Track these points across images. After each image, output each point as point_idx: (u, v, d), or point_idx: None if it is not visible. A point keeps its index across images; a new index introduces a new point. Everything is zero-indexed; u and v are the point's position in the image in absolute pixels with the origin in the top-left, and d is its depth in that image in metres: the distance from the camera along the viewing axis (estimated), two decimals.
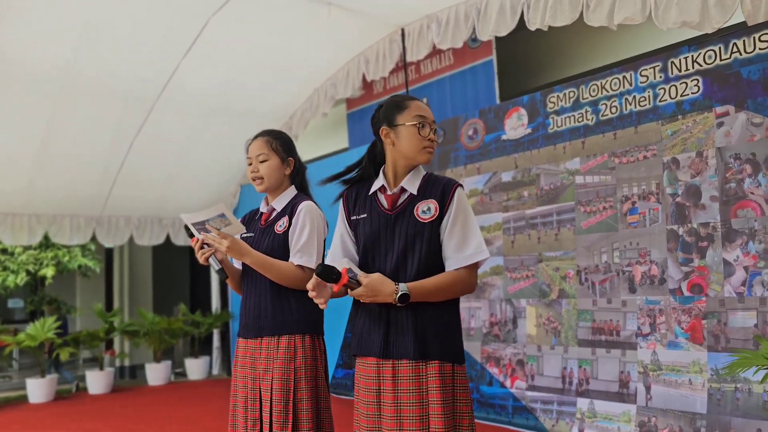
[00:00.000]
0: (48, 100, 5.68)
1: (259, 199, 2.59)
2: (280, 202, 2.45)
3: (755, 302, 3.44)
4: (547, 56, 5.61)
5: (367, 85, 6.36)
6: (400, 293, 1.83)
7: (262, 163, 2.41)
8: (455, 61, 5.57)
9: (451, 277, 1.90)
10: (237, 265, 2.53)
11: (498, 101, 5.12)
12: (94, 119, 6.06)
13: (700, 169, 3.72)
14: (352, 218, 2.10)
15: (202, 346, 8.49)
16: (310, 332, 2.34)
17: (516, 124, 4.75)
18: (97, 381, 7.26)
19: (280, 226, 2.38)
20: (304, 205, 2.37)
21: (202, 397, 6.79)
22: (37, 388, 6.81)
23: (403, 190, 2.02)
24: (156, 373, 7.74)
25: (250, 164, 2.44)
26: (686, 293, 3.73)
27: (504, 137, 4.82)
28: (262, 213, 2.50)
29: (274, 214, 2.44)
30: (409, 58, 5.60)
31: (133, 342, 7.87)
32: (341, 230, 2.12)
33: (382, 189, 2.06)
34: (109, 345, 8.78)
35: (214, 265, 2.32)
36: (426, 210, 1.96)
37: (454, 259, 1.91)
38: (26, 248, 8.60)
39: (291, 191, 2.48)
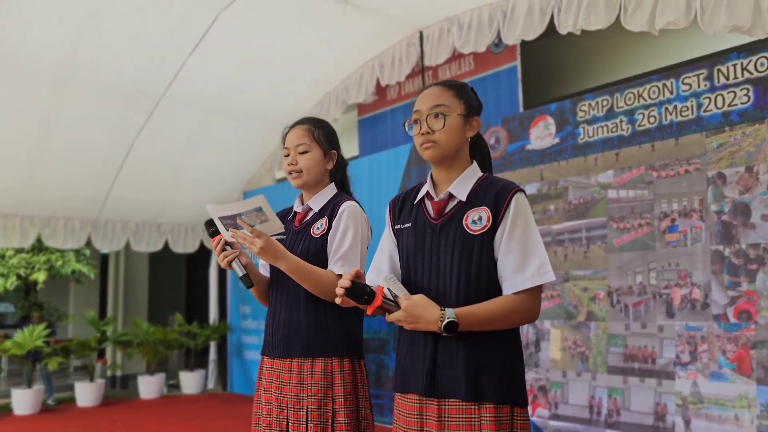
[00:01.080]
0: (45, 95, 5.38)
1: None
2: (317, 201, 2.11)
3: None
4: (576, 63, 5.34)
5: (380, 91, 6.08)
6: (446, 321, 1.52)
7: (303, 155, 2.08)
8: (476, 67, 5.30)
9: (509, 303, 1.57)
10: (263, 271, 2.20)
11: (521, 109, 4.84)
12: (94, 117, 5.76)
13: (750, 185, 3.43)
14: (396, 227, 1.79)
15: (197, 359, 8.14)
16: (350, 355, 1.99)
17: (542, 134, 4.46)
18: (86, 393, 6.91)
19: (317, 229, 2.05)
20: (347, 206, 2.04)
21: (197, 413, 6.44)
22: (23, 399, 6.46)
23: (451, 196, 1.70)
24: (149, 386, 7.39)
25: (287, 155, 2.11)
26: (732, 320, 3.42)
27: (529, 147, 4.53)
28: (296, 213, 2.17)
29: (311, 214, 2.11)
30: (427, 63, 5.34)
31: (126, 352, 7.52)
32: (386, 241, 1.81)
33: (429, 195, 1.76)
34: (101, 354, 8.42)
35: (238, 271, 1.97)
36: (477, 219, 1.63)
37: (512, 282, 1.58)
38: (18, 251, 8.26)
39: (330, 189, 2.14)
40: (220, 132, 6.46)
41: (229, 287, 7.89)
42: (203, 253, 8.35)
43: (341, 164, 2.20)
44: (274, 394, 2.01)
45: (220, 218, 1.88)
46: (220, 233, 1.96)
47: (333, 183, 2.17)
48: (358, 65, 5.89)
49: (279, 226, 1.90)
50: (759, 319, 3.32)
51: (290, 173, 2.10)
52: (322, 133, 2.12)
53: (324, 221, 2.04)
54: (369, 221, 2.10)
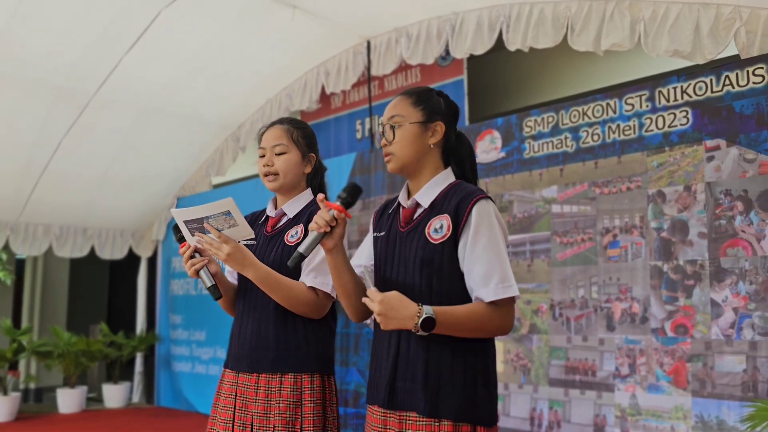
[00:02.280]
0: None
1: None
2: (293, 207, 2.01)
3: (744, 346, 3.26)
4: (522, 79, 5.44)
5: (325, 98, 6.00)
6: (424, 316, 1.44)
7: (279, 156, 1.98)
8: (423, 79, 5.31)
9: (483, 310, 1.51)
10: (232, 279, 2.08)
11: (467, 123, 4.88)
12: (18, 113, 5.41)
13: (688, 203, 3.56)
14: (374, 235, 1.74)
15: (122, 371, 7.75)
16: (321, 371, 1.90)
17: (489, 147, 4.51)
18: (0, 407, 6.44)
19: (291, 237, 1.94)
20: None
21: (121, 428, 6.11)
22: None
23: (418, 204, 1.66)
24: (68, 399, 6.97)
25: (263, 156, 2.00)
26: (670, 333, 3.53)
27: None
28: (268, 217, 2.06)
29: (284, 220, 2.00)
30: (374, 72, 5.31)
31: (45, 364, 7.06)
32: (367, 245, 1.76)
33: (401, 203, 1.72)
34: (13, 366, 7.89)
35: (206, 280, 1.86)
36: (438, 228, 1.58)
37: (478, 293, 1.53)
38: None
39: (307, 195, 2.04)
40: (155, 134, 6.21)
41: (158, 295, 7.57)
42: (129, 259, 7.99)
43: (319, 169, 2.11)
44: (238, 410, 1.90)
45: (185, 222, 1.77)
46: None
47: (310, 188, 2.07)
48: (303, 72, 5.80)
49: (248, 232, 1.80)
50: (695, 333, 3.44)
51: (266, 175, 1.99)
52: (301, 134, 2.03)
53: (300, 229, 1.94)
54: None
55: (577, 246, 3.98)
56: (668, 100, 3.70)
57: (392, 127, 1.65)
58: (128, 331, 7.84)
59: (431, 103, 1.68)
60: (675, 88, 3.69)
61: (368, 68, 5.34)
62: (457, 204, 1.58)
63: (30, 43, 4.77)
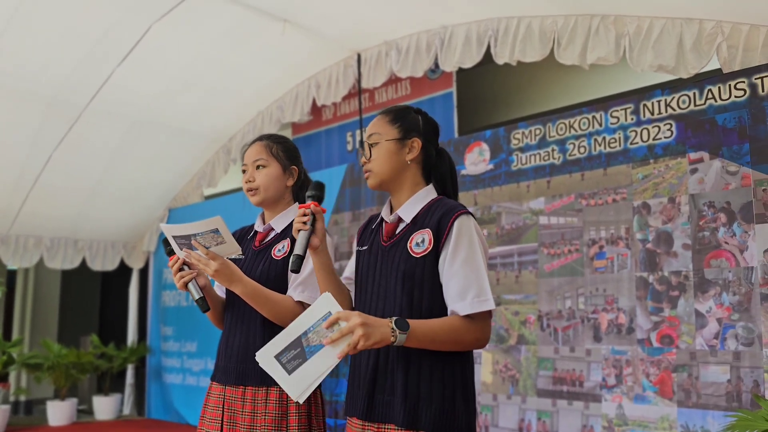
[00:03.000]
0: None
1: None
2: (280, 222, 2.05)
3: (728, 356, 3.30)
4: (510, 92, 5.50)
5: (316, 111, 6.05)
6: (395, 318, 1.45)
7: (259, 170, 2.03)
8: (412, 92, 5.36)
9: (458, 323, 1.53)
10: (220, 292, 2.10)
11: (456, 135, 4.92)
12: (9, 125, 5.42)
13: (672, 215, 3.61)
14: (357, 249, 1.77)
15: (112, 383, 7.72)
16: None
17: (477, 160, 4.55)
18: None
19: (278, 251, 1.98)
20: None
21: None
22: None
23: (400, 219, 1.69)
24: (58, 412, 6.93)
25: (245, 171, 2.04)
26: (655, 344, 3.57)
27: (464, 172, 4.60)
28: (256, 232, 2.10)
29: (272, 234, 2.04)
30: (364, 85, 5.35)
31: (35, 376, 7.03)
32: (353, 260, 1.80)
33: (383, 218, 1.75)
34: (3, 378, 7.85)
35: (194, 293, 1.88)
36: (420, 242, 1.61)
37: (455, 307, 1.55)
38: None
39: (294, 209, 2.08)
40: (146, 146, 6.23)
41: (149, 307, 7.57)
42: (120, 271, 7.98)
43: (305, 181, 2.15)
44: (225, 423, 1.92)
45: (175, 237, 1.80)
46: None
47: (296, 203, 2.11)
48: (293, 84, 5.84)
49: (235, 248, 1.83)
50: (680, 343, 3.48)
51: (248, 191, 2.04)
52: (281, 148, 2.07)
53: (287, 243, 1.98)
54: (334, 244, 2.06)
55: (564, 257, 4.02)
56: (653, 113, 3.76)
57: (370, 145, 1.70)
58: (119, 343, 7.83)
59: (407, 120, 1.72)
60: (659, 102, 3.74)
61: (359, 81, 5.39)
62: (439, 219, 1.61)
63: (22, 56, 4.80)
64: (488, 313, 1.57)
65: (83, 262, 7.29)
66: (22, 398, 8.45)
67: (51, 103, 5.33)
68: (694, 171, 3.55)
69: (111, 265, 7.51)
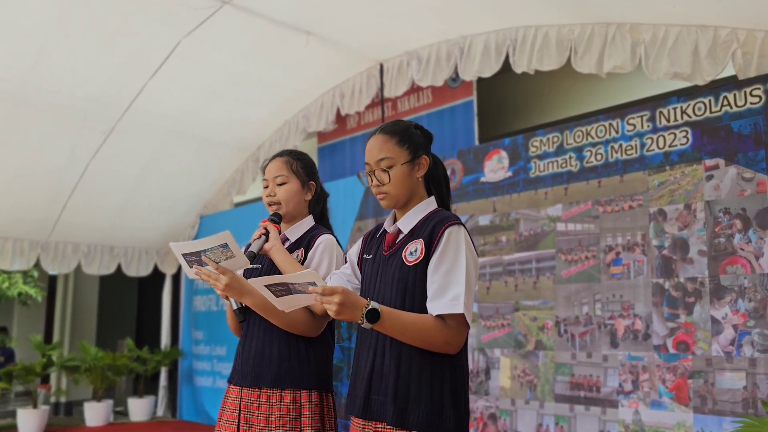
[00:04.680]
0: (0, 114, 5.30)
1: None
2: (295, 232, 2.17)
3: (744, 363, 3.30)
4: (529, 100, 5.54)
5: (340, 120, 6.18)
6: (369, 307, 1.55)
7: (280, 186, 2.14)
8: (434, 100, 5.45)
9: (431, 322, 1.61)
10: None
11: (477, 142, 4.99)
12: (49, 138, 5.68)
13: (688, 222, 3.62)
14: (362, 257, 1.88)
15: (147, 385, 7.96)
16: (319, 388, 2.02)
17: (496, 167, 4.61)
18: (29, 420, 6.67)
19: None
20: (324, 239, 2.09)
21: None
22: None
23: (400, 229, 1.80)
24: (95, 413, 7.18)
25: (266, 187, 2.16)
26: (671, 350, 3.58)
27: (483, 179, 4.67)
28: None
29: (287, 245, 2.15)
30: (386, 94, 5.46)
31: (72, 378, 7.30)
32: (344, 266, 1.90)
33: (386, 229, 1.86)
34: (45, 379, 8.16)
35: (233, 302, 1.99)
36: (413, 251, 1.70)
37: (431, 306, 1.63)
38: None
39: (308, 221, 2.20)
40: (177, 156, 6.44)
41: (182, 312, 7.78)
42: (155, 277, 8.23)
43: (321, 195, 2.25)
44: (242, 424, 2.02)
45: (184, 255, 1.90)
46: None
47: (311, 215, 2.22)
48: (318, 94, 5.99)
49: (244, 262, 1.93)
50: (696, 350, 3.48)
51: (270, 204, 2.15)
52: (300, 165, 2.18)
53: (300, 252, 2.09)
54: (345, 254, 2.14)
55: (581, 263, 4.05)
56: (668, 121, 3.78)
57: (385, 171, 1.76)
58: (154, 347, 8.07)
59: (413, 140, 1.80)
60: (675, 109, 3.76)
61: (381, 90, 5.50)
62: (431, 229, 1.70)
63: (60, 72, 5.04)
64: (463, 319, 1.62)
65: (119, 268, 7.55)
66: (63, 399, 8.77)
67: (87, 116, 5.57)
68: (709, 178, 3.56)
69: (145, 271, 7.76)
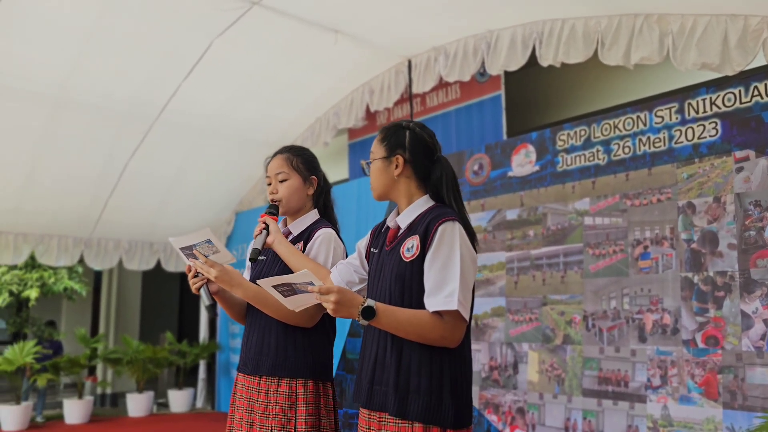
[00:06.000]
0: (42, 117, 5.52)
1: (255, 229, 2.34)
2: (298, 226, 2.23)
3: None
4: (557, 93, 5.50)
5: (370, 116, 6.24)
6: (365, 305, 1.60)
7: (282, 183, 2.19)
8: (462, 95, 5.46)
9: (427, 317, 1.65)
10: None
11: (505, 137, 4.99)
12: (89, 139, 5.89)
13: (718, 215, 3.56)
14: (370, 250, 1.94)
15: (186, 378, 8.19)
16: (315, 377, 2.08)
17: (523, 161, 4.60)
18: (75, 410, 6.95)
19: None
20: (322, 233, 2.14)
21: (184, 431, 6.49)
22: (10, 416, 6.50)
23: (399, 225, 1.85)
24: (137, 404, 7.44)
25: (269, 184, 2.23)
26: (701, 345, 3.54)
27: (510, 174, 4.67)
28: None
29: (290, 238, 2.21)
30: (415, 90, 5.49)
31: (115, 370, 7.57)
32: (353, 256, 1.97)
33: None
34: (92, 371, 8.46)
35: (205, 299, 2.07)
36: (410, 247, 1.75)
37: (428, 302, 1.67)
38: (11, 268, 8.34)
39: (312, 215, 2.25)
40: (212, 154, 6.60)
41: (219, 306, 7.96)
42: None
43: (324, 188, 2.30)
44: (245, 410, 2.11)
45: (181, 249, 2.01)
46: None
47: (315, 209, 2.27)
48: (348, 91, 6.05)
49: (229, 258, 2.02)
50: (725, 344, 3.43)
51: (273, 201, 2.21)
52: (300, 160, 2.23)
53: (300, 246, 2.15)
54: (344, 248, 2.19)
55: (609, 257, 4.02)
56: (697, 112, 3.72)
57: (368, 164, 1.89)
58: (192, 340, 8.29)
59: (393, 139, 1.85)
60: (704, 100, 3.70)
61: (410, 86, 5.53)
62: (426, 225, 1.74)
63: (97, 75, 5.22)
64: (459, 315, 1.65)
65: (158, 264, 7.77)
66: (108, 391, 9.08)
67: (124, 117, 5.76)
68: (739, 170, 3.50)
69: (183, 267, 7.93)
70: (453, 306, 1.62)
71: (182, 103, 5.72)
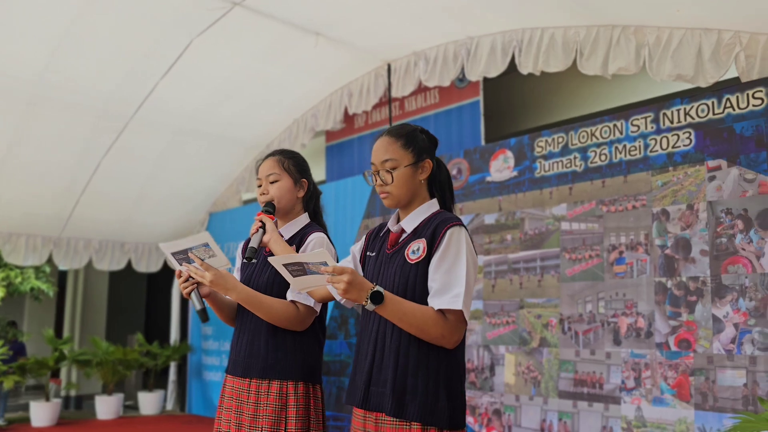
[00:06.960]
0: (14, 112, 5.41)
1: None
2: (289, 230, 2.24)
3: (745, 361, 3.36)
4: (535, 100, 5.60)
5: (348, 119, 6.26)
6: (374, 289, 1.64)
7: (273, 184, 2.21)
8: (441, 100, 5.52)
9: (430, 313, 1.68)
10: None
11: (483, 142, 5.06)
12: (62, 136, 5.79)
13: (691, 222, 3.68)
14: (365, 254, 1.95)
15: (156, 379, 8.08)
16: (305, 379, 2.11)
17: (502, 167, 4.68)
18: (41, 412, 6.80)
19: None
20: (315, 237, 2.17)
21: None
22: None
23: (403, 229, 1.88)
24: (106, 406, 7.31)
25: (260, 186, 2.24)
26: (674, 348, 3.65)
27: (489, 179, 4.74)
28: None
29: None
30: (394, 94, 5.53)
31: (84, 372, 7.43)
32: (347, 260, 1.99)
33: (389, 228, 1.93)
34: (55, 373, 8.28)
35: (196, 304, 2.08)
36: (416, 250, 1.78)
37: (433, 301, 1.71)
38: None
39: (303, 218, 2.28)
40: (187, 154, 6.54)
41: (191, 307, 7.89)
42: (165, 273, 8.34)
43: (314, 193, 2.33)
44: (233, 411, 2.13)
45: (173, 254, 2.02)
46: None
47: (306, 212, 2.29)
48: (327, 94, 6.06)
49: (225, 261, 2.04)
50: (697, 347, 3.55)
51: (263, 203, 2.23)
52: (292, 163, 2.25)
53: (292, 249, 2.17)
54: (335, 252, 2.22)
55: (585, 262, 4.12)
56: (672, 122, 3.84)
57: (389, 172, 1.83)
58: (163, 342, 8.18)
59: (418, 143, 1.87)
60: (678, 110, 3.82)
61: (389, 90, 5.57)
62: (434, 229, 1.78)
63: (74, 72, 5.13)
64: (461, 316, 1.70)
65: (129, 264, 7.66)
66: (73, 393, 8.90)
67: (100, 114, 5.67)
68: (712, 178, 3.62)
69: (155, 267, 7.86)
70: (458, 306, 1.66)
71: (159, 102, 5.66)
